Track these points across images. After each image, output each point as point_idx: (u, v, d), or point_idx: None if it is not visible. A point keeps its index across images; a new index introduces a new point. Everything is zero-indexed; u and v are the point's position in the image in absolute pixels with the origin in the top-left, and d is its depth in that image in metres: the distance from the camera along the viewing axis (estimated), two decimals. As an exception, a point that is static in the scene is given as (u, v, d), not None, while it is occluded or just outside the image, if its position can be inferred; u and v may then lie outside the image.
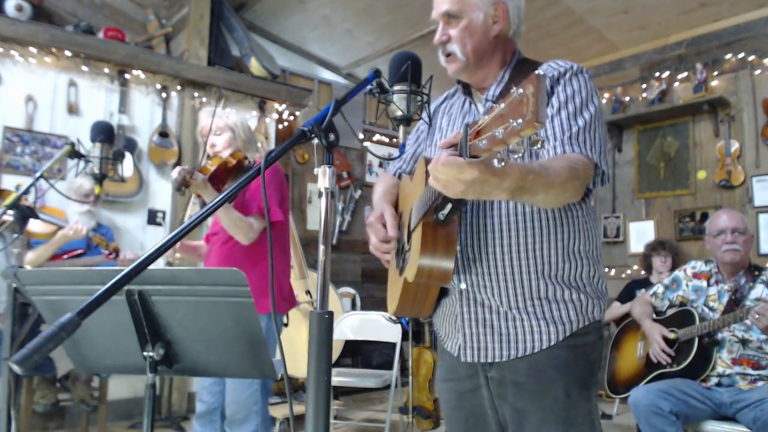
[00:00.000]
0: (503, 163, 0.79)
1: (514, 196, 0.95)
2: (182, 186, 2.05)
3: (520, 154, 0.77)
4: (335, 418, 4.17)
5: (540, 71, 0.74)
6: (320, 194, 1.06)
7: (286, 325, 3.92)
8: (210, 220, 2.52)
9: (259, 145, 2.60)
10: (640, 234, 4.97)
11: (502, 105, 0.75)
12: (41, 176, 1.97)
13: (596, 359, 1.31)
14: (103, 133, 2.12)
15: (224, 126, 2.31)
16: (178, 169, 2.08)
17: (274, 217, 2.23)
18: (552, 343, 1.26)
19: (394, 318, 3.50)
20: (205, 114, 2.36)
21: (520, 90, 0.72)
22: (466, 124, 0.82)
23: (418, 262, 1.17)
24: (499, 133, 0.74)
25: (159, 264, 2.97)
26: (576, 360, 1.27)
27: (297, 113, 5.17)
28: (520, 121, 0.71)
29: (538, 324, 1.26)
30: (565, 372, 1.25)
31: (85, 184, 3.28)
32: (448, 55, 1.33)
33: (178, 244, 2.42)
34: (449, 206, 1.12)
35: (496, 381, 1.31)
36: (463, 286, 1.32)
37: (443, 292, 1.37)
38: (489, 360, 1.31)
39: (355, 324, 3.63)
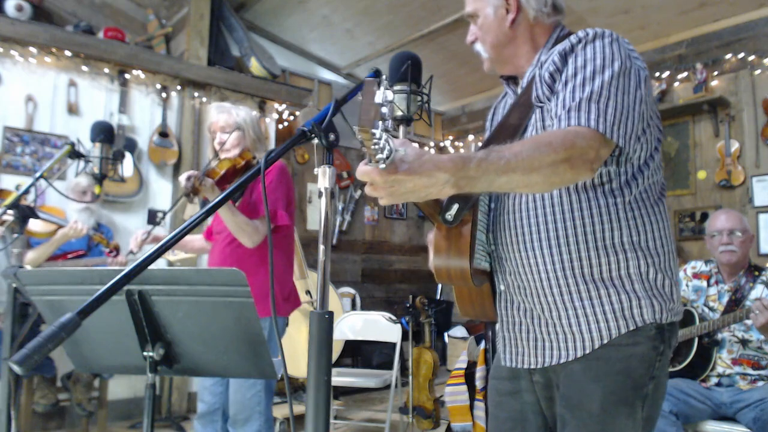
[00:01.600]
0: (384, 165, 0.81)
1: (463, 188, 0.90)
2: (191, 193, 2.02)
3: (385, 154, 0.79)
4: (335, 418, 4.16)
5: (371, 75, 0.77)
6: (320, 194, 1.06)
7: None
8: (210, 218, 2.51)
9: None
10: (640, 234, 4.97)
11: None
12: (41, 176, 1.97)
13: (644, 372, 1.13)
14: (103, 133, 2.12)
15: (234, 123, 2.28)
16: (185, 175, 2.05)
17: (281, 220, 2.21)
18: (586, 352, 1.15)
19: (394, 318, 3.50)
20: (215, 110, 2.33)
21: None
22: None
23: (434, 264, 1.17)
24: (361, 137, 0.78)
25: (159, 264, 2.97)
26: (616, 373, 1.13)
27: (297, 113, 5.17)
28: (356, 127, 0.76)
29: (571, 331, 1.17)
30: (601, 385, 1.13)
31: (82, 182, 3.27)
32: (478, 53, 1.33)
33: (153, 235, 2.40)
34: (455, 206, 1.12)
35: (541, 385, 1.26)
36: (502, 287, 1.28)
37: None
38: (525, 366, 1.26)
39: (355, 324, 3.63)
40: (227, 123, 2.27)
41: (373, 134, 0.75)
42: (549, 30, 1.29)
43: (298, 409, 3.72)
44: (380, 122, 0.79)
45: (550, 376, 1.23)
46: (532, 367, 1.24)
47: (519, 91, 1.30)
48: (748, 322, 2.42)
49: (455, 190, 0.90)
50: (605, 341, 1.14)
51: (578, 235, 1.15)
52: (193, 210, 2.18)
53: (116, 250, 3.10)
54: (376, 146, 0.78)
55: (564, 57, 1.15)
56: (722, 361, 2.57)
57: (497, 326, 1.35)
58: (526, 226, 1.20)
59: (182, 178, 2.06)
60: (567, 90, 1.10)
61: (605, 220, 1.15)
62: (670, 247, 1.20)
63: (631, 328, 1.13)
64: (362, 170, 0.86)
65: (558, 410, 1.21)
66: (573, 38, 1.16)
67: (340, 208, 5.89)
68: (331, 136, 1.07)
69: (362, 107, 0.73)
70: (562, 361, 1.19)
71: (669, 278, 1.18)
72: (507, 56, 1.30)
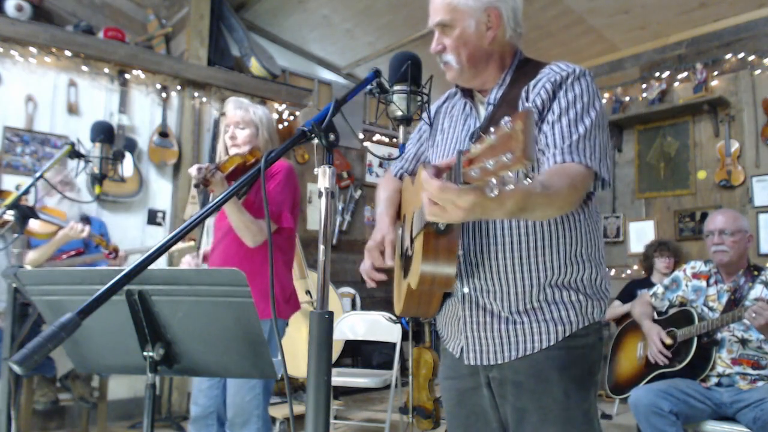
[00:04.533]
0: (495, 192, 0.80)
1: (514, 216, 0.97)
2: (202, 184, 2.02)
3: (512, 186, 0.78)
4: (335, 418, 4.17)
5: (529, 105, 0.76)
6: (320, 194, 1.06)
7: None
8: (211, 220, 2.50)
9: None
10: (640, 234, 4.97)
11: (493, 136, 0.77)
12: (41, 176, 1.97)
13: (595, 360, 1.31)
14: (103, 133, 2.11)
15: (249, 120, 2.26)
16: (197, 166, 2.05)
17: (285, 222, 2.19)
18: (551, 343, 1.26)
19: (394, 318, 3.49)
20: (233, 104, 2.30)
21: (510, 123, 0.74)
22: (459, 151, 0.84)
23: (420, 270, 1.18)
24: (489, 164, 0.77)
25: (159, 264, 2.97)
26: (575, 360, 1.27)
27: (297, 113, 5.17)
28: (510, 155, 0.74)
29: (539, 325, 1.27)
30: (563, 372, 1.26)
31: (50, 176, 3.22)
32: (445, 62, 1.33)
33: (202, 254, 2.43)
34: None
35: (497, 381, 1.32)
36: (465, 290, 1.33)
37: (447, 294, 1.39)
38: (491, 363, 1.32)
39: (355, 324, 3.63)
40: (243, 119, 2.25)
41: (528, 168, 0.75)
42: (513, 52, 1.36)
43: (298, 409, 3.72)
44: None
45: (507, 373, 1.30)
46: (498, 362, 1.30)
47: (488, 107, 1.34)
48: (747, 321, 2.42)
49: (506, 217, 0.97)
50: (568, 334, 1.27)
51: (553, 247, 1.27)
52: (193, 210, 2.18)
53: (115, 252, 3.10)
54: (508, 176, 0.77)
55: (554, 89, 1.24)
56: (722, 361, 2.57)
57: (452, 327, 1.40)
58: (507, 236, 1.27)
59: (193, 169, 2.05)
60: (563, 124, 1.20)
61: (573, 235, 1.29)
62: (605, 257, 1.40)
63: (586, 324, 1.29)
64: (448, 187, 0.85)
65: (515, 405, 1.28)
66: (558, 70, 1.26)
67: (340, 208, 5.89)
68: (331, 136, 1.07)
69: (527, 139, 0.72)
70: (527, 353, 1.27)
71: (607, 282, 1.37)
72: (479, 70, 1.33)
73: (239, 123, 2.25)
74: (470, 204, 0.85)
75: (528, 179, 0.78)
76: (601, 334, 1.34)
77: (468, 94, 1.42)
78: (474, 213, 0.89)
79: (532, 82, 1.27)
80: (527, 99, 1.26)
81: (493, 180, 0.78)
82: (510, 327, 1.29)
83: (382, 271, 1.41)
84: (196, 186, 2.04)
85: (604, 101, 1.28)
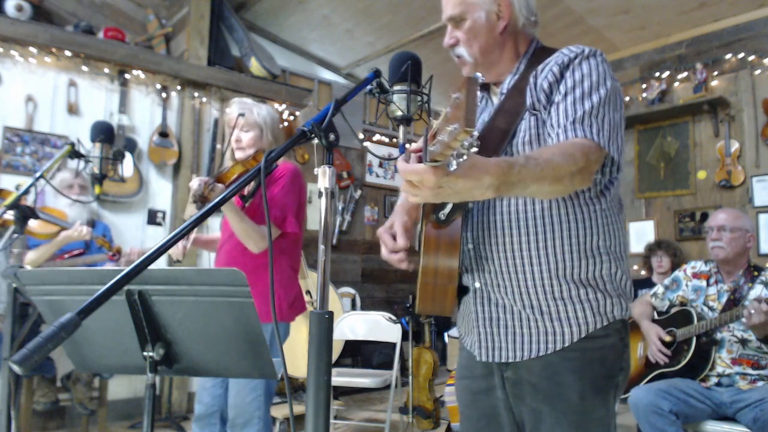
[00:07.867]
0: (454, 166, 0.78)
1: (501, 192, 0.92)
2: (200, 200, 1.99)
3: (464, 158, 0.76)
4: (335, 418, 4.17)
5: (475, 75, 0.77)
6: (320, 194, 1.06)
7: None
8: (215, 222, 2.48)
9: None
10: (640, 234, 4.97)
11: (449, 108, 0.76)
12: (41, 176, 1.97)
13: (615, 362, 1.24)
14: (103, 133, 2.11)
15: (253, 123, 2.24)
16: (197, 180, 2.02)
17: (289, 227, 2.18)
18: (566, 345, 1.22)
19: (394, 318, 3.50)
20: (237, 105, 2.27)
21: (457, 94, 0.74)
22: (426, 129, 0.83)
23: (422, 262, 1.18)
24: (444, 137, 0.75)
25: (159, 264, 2.96)
26: (592, 363, 1.22)
27: (297, 113, 5.17)
28: (456, 126, 0.73)
29: (552, 325, 1.23)
30: (579, 375, 1.21)
31: (66, 177, 3.24)
32: (458, 57, 1.32)
33: (192, 238, 2.39)
34: (449, 206, 1.13)
35: (512, 381, 1.29)
36: (477, 284, 1.30)
37: (464, 290, 1.35)
38: (503, 360, 1.28)
39: (355, 324, 3.63)
40: (247, 121, 2.24)
41: (474, 136, 0.73)
42: (528, 40, 1.34)
43: (298, 409, 3.72)
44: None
45: (522, 373, 1.26)
46: (510, 360, 1.27)
47: (500, 97, 1.32)
48: (745, 320, 2.42)
49: (496, 194, 0.92)
50: (583, 335, 1.22)
51: (563, 239, 1.22)
52: (193, 210, 2.17)
53: (118, 253, 3.09)
54: (462, 148, 0.75)
55: (561, 70, 1.20)
56: (722, 361, 2.57)
57: (468, 324, 1.37)
58: (515, 228, 1.23)
59: (193, 183, 2.03)
60: (567, 102, 1.16)
61: (587, 226, 1.23)
62: (628, 252, 1.35)
63: (605, 324, 1.23)
64: (413, 169, 0.84)
65: (531, 406, 1.25)
66: (568, 52, 1.21)
67: (340, 208, 5.89)
68: (331, 136, 1.07)
69: (468, 107, 0.71)
70: (541, 353, 1.23)
71: (630, 279, 1.31)
72: (492, 62, 1.31)
73: (244, 125, 2.23)
74: (435, 182, 0.83)
75: (474, 148, 0.75)
76: (624, 334, 1.27)
77: (485, 87, 1.39)
78: (446, 192, 0.86)
79: (540, 66, 1.24)
80: (535, 85, 1.22)
81: (454, 153, 0.76)
82: (524, 323, 1.25)
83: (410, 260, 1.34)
84: (195, 203, 1.99)
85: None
